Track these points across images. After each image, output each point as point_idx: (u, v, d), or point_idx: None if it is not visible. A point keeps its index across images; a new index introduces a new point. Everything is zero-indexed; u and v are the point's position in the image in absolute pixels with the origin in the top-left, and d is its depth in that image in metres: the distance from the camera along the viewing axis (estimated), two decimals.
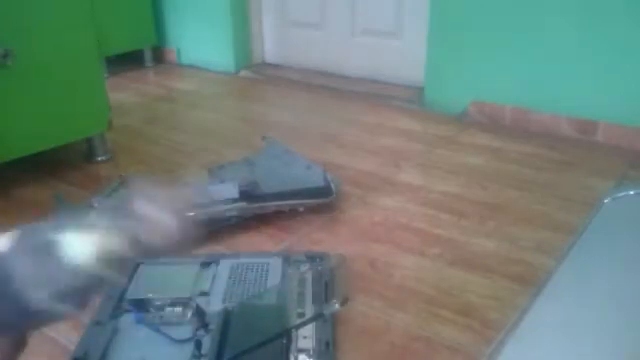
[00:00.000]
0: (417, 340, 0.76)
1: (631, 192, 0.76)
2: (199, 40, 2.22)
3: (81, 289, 0.49)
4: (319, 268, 0.83)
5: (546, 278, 0.63)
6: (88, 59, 1.32)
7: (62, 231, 0.48)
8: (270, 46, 2.22)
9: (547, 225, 1.05)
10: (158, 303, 0.79)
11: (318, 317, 0.72)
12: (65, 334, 0.78)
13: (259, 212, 1.04)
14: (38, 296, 0.46)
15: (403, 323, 0.80)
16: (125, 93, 1.95)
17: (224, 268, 0.88)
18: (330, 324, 0.75)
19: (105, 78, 1.88)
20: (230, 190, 1.03)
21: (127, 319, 0.77)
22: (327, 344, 0.72)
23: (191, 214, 1.04)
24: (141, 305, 0.79)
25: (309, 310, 0.74)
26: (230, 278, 0.85)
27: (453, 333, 0.78)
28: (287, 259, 0.90)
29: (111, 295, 0.82)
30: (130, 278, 0.86)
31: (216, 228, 1.02)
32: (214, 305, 0.79)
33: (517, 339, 0.55)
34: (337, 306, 0.71)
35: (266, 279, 0.85)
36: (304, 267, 0.88)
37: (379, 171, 1.30)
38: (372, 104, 1.78)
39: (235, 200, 1.02)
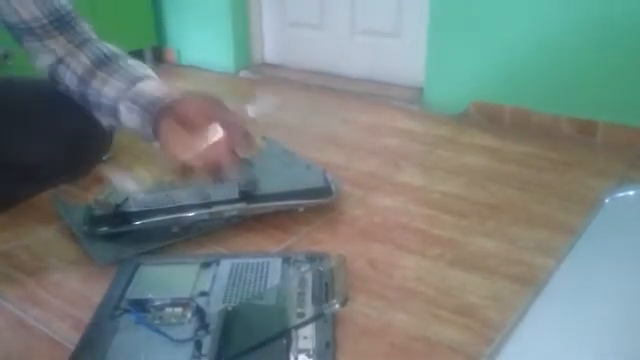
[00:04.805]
0: (417, 340, 0.76)
1: (631, 192, 0.76)
2: (199, 40, 2.23)
3: None
4: (319, 268, 0.83)
5: (546, 278, 0.63)
6: None
7: None
8: (270, 46, 2.22)
9: (547, 225, 1.05)
10: (158, 303, 0.79)
11: (318, 317, 0.72)
12: (65, 334, 0.78)
13: (259, 212, 1.04)
14: None
15: (403, 323, 0.80)
16: None
17: (224, 268, 0.88)
18: (330, 324, 0.75)
19: None
20: (230, 190, 1.03)
21: (127, 319, 0.77)
22: (327, 344, 0.72)
23: (191, 214, 1.05)
24: (141, 305, 0.79)
25: (309, 310, 0.74)
26: (230, 278, 0.85)
27: (453, 333, 0.78)
28: (287, 259, 0.90)
29: (111, 295, 0.82)
30: (130, 278, 0.86)
31: (216, 228, 1.02)
32: (214, 305, 0.79)
33: (517, 339, 0.55)
34: (337, 306, 0.71)
35: (266, 279, 0.85)
36: (304, 267, 0.88)
37: (379, 171, 1.30)
38: (372, 104, 1.78)
39: (235, 200, 1.02)
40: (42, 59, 0.99)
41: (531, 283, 0.88)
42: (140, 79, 0.92)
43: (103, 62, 0.97)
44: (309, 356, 0.70)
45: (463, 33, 1.59)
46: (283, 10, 2.12)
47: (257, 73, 2.14)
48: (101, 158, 1.24)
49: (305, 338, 0.72)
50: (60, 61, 0.97)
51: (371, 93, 1.85)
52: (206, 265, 0.89)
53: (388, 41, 1.90)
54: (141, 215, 0.97)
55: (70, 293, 0.87)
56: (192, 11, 2.19)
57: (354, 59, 2.00)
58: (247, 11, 2.15)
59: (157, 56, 2.31)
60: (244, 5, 2.13)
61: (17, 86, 1.06)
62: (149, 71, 0.98)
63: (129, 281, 0.85)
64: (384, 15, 1.88)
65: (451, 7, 1.59)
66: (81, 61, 0.97)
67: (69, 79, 0.98)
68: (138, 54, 2.24)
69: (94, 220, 0.98)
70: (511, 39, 1.52)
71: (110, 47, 1.01)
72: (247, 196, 1.03)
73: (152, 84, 0.91)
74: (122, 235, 0.97)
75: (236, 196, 1.03)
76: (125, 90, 0.91)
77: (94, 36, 1.02)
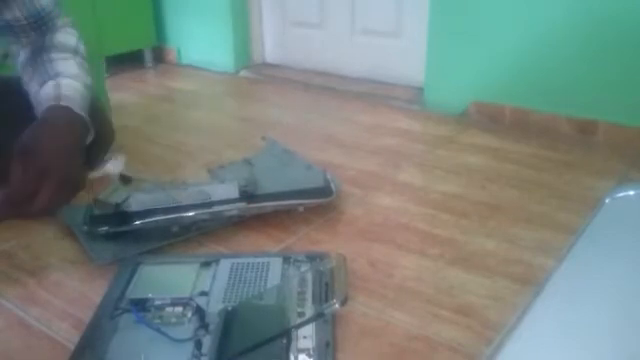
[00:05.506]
0: (417, 340, 0.76)
1: (631, 192, 0.76)
2: (199, 40, 2.23)
3: None
4: (319, 268, 0.83)
5: (546, 278, 0.63)
6: (88, 59, 1.32)
7: None
8: (270, 46, 2.22)
9: (547, 225, 1.05)
10: (158, 302, 0.79)
11: (318, 317, 0.72)
12: (64, 334, 0.78)
13: (259, 212, 1.04)
14: None
15: (403, 323, 0.80)
16: (125, 93, 1.95)
17: (224, 268, 0.88)
18: (330, 324, 0.75)
19: (105, 78, 1.88)
20: (230, 190, 1.03)
21: (127, 318, 0.77)
22: (327, 344, 0.72)
23: (191, 214, 1.04)
24: (141, 304, 0.79)
25: (309, 310, 0.74)
26: (230, 278, 0.85)
27: (453, 333, 0.78)
28: (287, 259, 0.90)
29: (111, 295, 0.82)
30: (130, 278, 0.86)
31: (216, 228, 1.02)
32: (214, 305, 0.79)
33: (517, 339, 0.55)
34: (337, 306, 0.71)
35: (266, 279, 0.85)
36: (304, 267, 0.88)
37: (379, 171, 1.30)
38: (372, 104, 1.78)
39: (235, 200, 1.02)
40: (14, 48, 1.06)
41: (531, 283, 0.88)
42: (45, 81, 0.98)
43: (34, 55, 1.03)
44: (309, 356, 0.70)
45: (463, 33, 1.59)
46: (283, 10, 2.12)
47: (257, 73, 2.14)
48: (102, 157, 1.23)
49: (305, 338, 0.72)
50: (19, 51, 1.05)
51: (371, 93, 1.85)
52: (206, 265, 0.89)
53: (388, 41, 1.90)
54: (141, 215, 0.97)
55: (70, 293, 0.87)
56: (192, 11, 2.19)
57: (354, 59, 2.00)
58: (247, 11, 2.15)
59: (157, 56, 2.31)
60: (244, 5, 2.13)
61: (17, 85, 1.06)
62: (61, 66, 1.02)
63: (129, 281, 0.85)
64: (384, 15, 1.88)
65: (451, 7, 1.59)
66: (25, 53, 1.04)
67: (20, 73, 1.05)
68: (138, 54, 2.25)
69: (94, 220, 0.98)
70: (511, 39, 1.52)
71: (56, 36, 1.05)
72: (247, 196, 1.03)
73: (50, 88, 0.97)
74: (122, 235, 0.97)
75: (236, 196, 1.03)
76: (38, 91, 0.98)
77: (57, 32, 1.06)
